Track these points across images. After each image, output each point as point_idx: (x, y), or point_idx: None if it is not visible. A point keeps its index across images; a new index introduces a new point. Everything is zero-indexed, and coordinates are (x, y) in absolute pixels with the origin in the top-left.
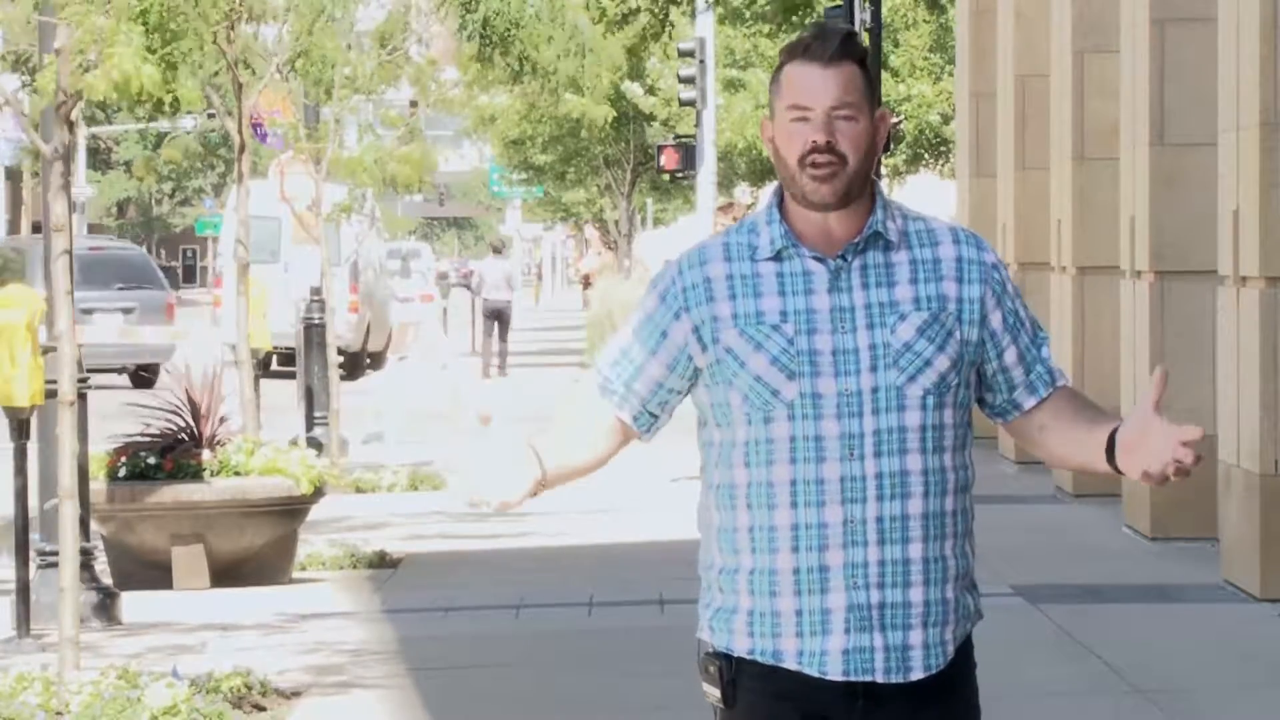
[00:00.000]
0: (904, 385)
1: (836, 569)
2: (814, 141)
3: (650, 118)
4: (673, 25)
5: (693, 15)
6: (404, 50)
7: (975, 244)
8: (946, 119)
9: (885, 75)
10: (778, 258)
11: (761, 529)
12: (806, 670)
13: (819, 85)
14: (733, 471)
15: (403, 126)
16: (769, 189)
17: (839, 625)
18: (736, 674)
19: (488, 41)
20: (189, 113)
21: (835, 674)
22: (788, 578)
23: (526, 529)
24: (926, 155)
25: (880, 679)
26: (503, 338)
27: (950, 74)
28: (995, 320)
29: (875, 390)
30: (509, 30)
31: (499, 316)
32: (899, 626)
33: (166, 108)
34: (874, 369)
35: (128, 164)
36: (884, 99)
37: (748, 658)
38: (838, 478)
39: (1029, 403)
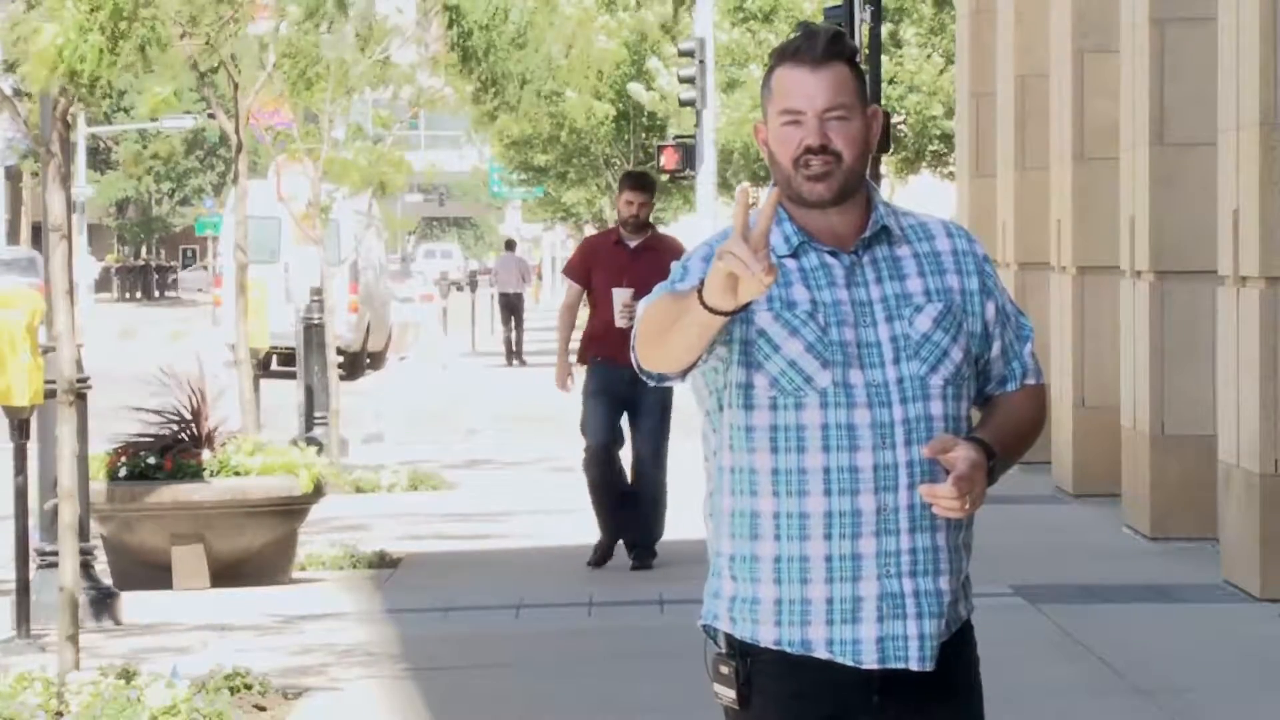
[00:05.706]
0: (926, 375)
1: (869, 557)
2: (808, 144)
3: (653, 116)
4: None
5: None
6: (389, 53)
7: (966, 237)
8: (949, 110)
9: (885, 60)
10: (795, 254)
11: (790, 516)
12: (839, 659)
13: (810, 88)
14: (754, 456)
15: (396, 125)
16: (768, 189)
17: (871, 614)
18: (752, 673)
19: (466, 55)
20: (187, 113)
21: (870, 662)
22: (819, 565)
23: (526, 529)
24: (933, 148)
25: (915, 667)
26: (517, 326)
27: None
28: (989, 312)
29: (900, 381)
30: (487, 50)
31: (513, 307)
32: (930, 615)
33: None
34: (897, 361)
35: None
36: (887, 79)
37: (770, 648)
38: (871, 466)
39: (995, 394)
